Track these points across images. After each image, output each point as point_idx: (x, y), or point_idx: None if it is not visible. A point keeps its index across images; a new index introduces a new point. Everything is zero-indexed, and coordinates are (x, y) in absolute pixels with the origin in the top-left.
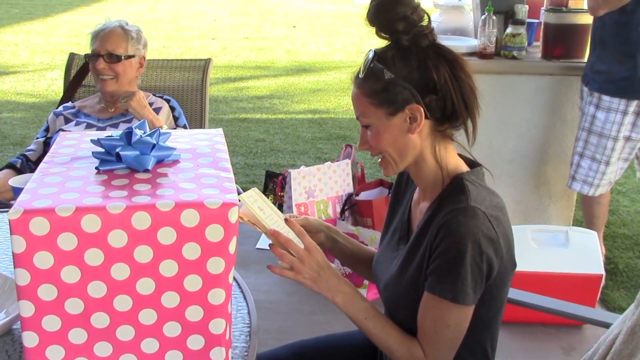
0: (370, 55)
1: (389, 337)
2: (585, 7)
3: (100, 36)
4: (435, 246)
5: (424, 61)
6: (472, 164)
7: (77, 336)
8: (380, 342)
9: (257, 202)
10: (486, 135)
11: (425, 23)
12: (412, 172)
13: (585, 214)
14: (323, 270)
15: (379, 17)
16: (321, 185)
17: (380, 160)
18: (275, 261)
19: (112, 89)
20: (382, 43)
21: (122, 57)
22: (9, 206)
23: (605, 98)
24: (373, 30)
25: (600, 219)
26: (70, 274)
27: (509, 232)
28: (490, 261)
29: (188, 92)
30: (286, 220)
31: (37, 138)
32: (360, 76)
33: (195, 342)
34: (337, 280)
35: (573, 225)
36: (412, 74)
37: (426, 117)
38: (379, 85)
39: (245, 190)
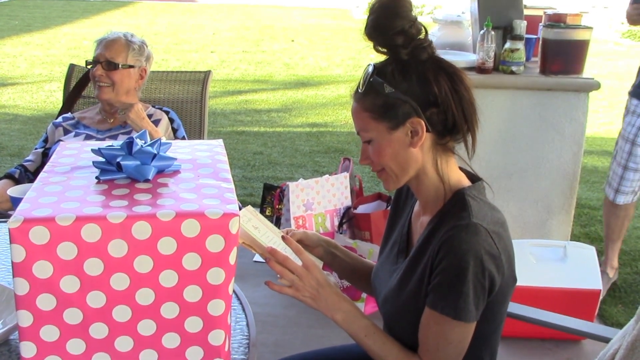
0: (370, 69)
1: (389, 355)
2: (583, 23)
3: (103, 44)
4: (437, 263)
5: (423, 74)
6: (473, 177)
7: (76, 347)
8: (381, 359)
9: (251, 221)
10: (484, 150)
11: (422, 36)
12: (413, 186)
13: (604, 225)
14: (322, 288)
15: (377, 32)
16: (319, 198)
17: (379, 172)
18: (273, 275)
19: (108, 97)
20: (380, 57)
21: (120, 66)
22: (7, 216)
23: None
24: (371, 44)
25: (615, 232)
26: (70, 284)
27: (510, 247)
28: (492, 277)
29: (187, 104)
30: (283, 237)
31: (36, 149)
32: (359, 91)
33: (195, 353)
34: (336, 297)
35: (571, 240)
36: (412, 87)
37: (427, 131)
38: (379, 99)
39: (244, 204)
